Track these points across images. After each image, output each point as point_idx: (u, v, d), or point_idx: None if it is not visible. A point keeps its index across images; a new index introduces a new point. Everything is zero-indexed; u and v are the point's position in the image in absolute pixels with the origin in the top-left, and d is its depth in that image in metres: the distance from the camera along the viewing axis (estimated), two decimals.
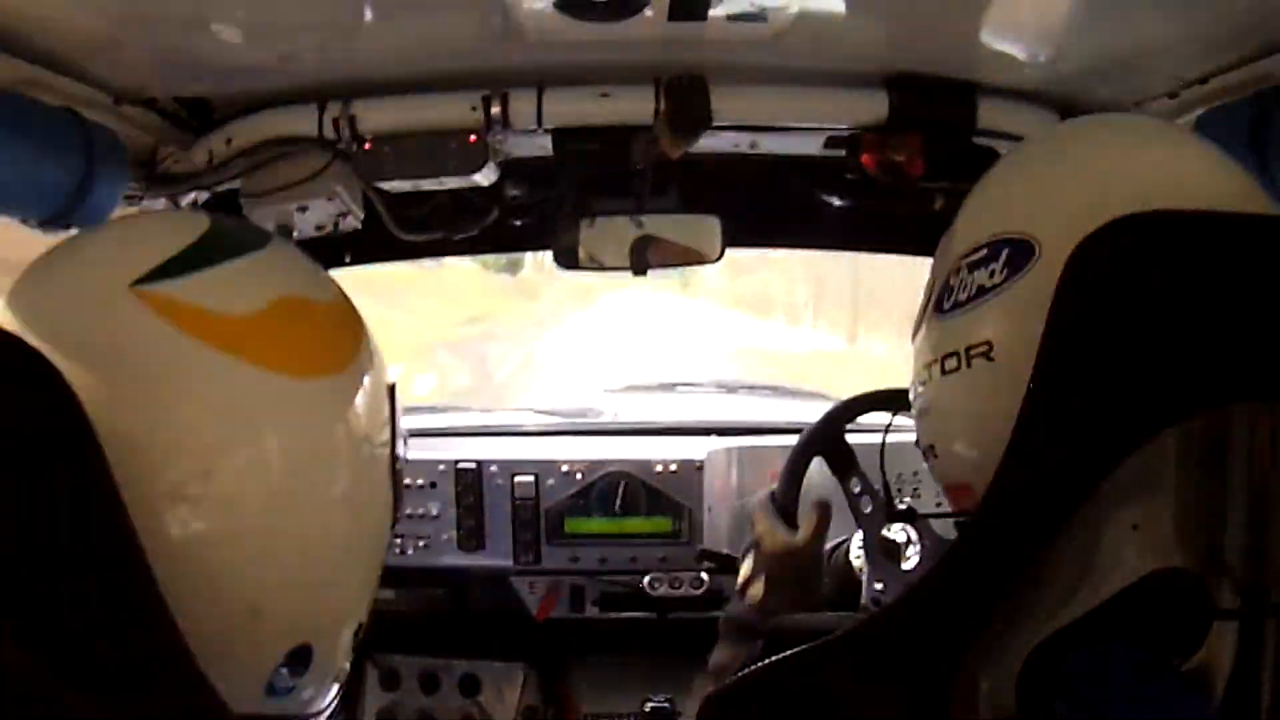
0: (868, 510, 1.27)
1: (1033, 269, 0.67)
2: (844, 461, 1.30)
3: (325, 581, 0.72)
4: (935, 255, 0.82)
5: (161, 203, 1.40)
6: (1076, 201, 0.67)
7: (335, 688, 0.79)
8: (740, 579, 1.22)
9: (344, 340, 0.74)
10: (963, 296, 0.73)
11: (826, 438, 1.31)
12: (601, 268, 1.57)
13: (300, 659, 0.70)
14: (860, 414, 1.35)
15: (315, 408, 0.69)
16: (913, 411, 0.83)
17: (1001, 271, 0.69)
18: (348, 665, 0.79)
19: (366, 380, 0.74)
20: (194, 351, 0.63)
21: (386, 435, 0.77)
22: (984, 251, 0.71)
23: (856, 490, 1.28)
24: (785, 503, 1.27)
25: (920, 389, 0.80)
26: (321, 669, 0.73)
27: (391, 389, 0.78)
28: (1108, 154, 0.72)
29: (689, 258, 1.58)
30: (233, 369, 0.64)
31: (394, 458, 0.78)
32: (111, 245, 0.70)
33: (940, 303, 0.76)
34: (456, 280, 14.51)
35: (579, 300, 15.05)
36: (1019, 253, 0.68)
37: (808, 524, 1.17)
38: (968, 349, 0.71)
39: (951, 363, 0.73)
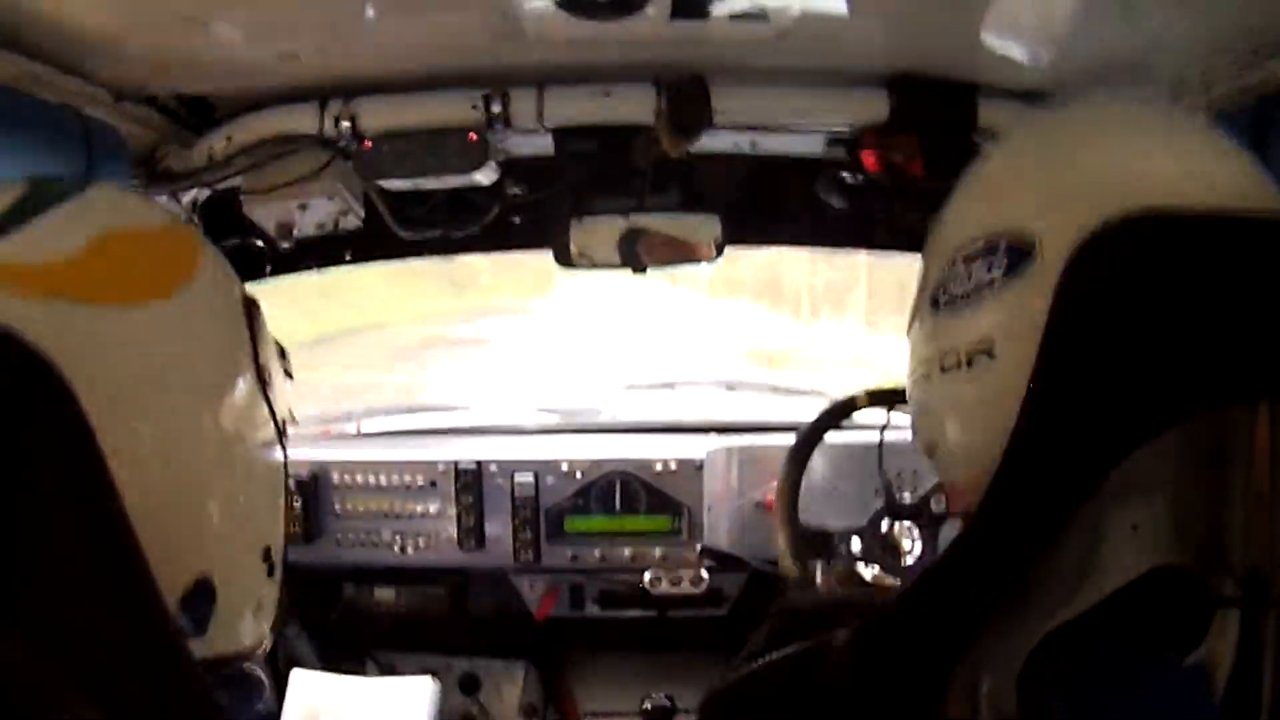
0: (907, 495, 1.26)
1: (1033, 267, 0.66)
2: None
3: (207, 507, 0.70)
4: (925, 245, 0.81)
5: (162, 199, 1.40)
6: (1076, 198, 0.66)
7: (268, 618, 0.78)
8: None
9: (177, 262, 0.72)
10: (959, 293, 0.72)
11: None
12: (608, 264, 1.57)
13: (202, 593, 0.69)
14: (856, 411, 1.35)
15: (153, 330, 0.68)
16: (910, 408, 0.83)
17: (1000, 269, 0.68)
18: (271, 592, 0.78)
19: (214, 295, 0.74)
20: (23, 307, 0.62)
21: (246, 350, 0.76)
22: (981, 247, 0.70)
23: (894, 474, 1.27)
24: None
25: (919, 386, 0.79)
26: (231, 600, 0.72)
27: (250, 304, 0.78)
28: (1107, 146, 0.70)
29: (687, 255, 1.58)
30: (61, 311, 0.63)
31: (259, 369, 0.77)
32: None
33: (936, 298, 0.75)
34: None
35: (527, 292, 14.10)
36: (1018, 250, 0.67)
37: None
38: (968, 347, 0.70)
39: (951, 360, 0.72)
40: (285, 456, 0.81)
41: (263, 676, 0.79)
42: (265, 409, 0.77)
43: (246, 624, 0.76)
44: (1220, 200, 0.62)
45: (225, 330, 0.74)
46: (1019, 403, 0.63)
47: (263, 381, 0.77)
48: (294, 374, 0.84)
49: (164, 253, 0.72)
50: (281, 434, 0.80)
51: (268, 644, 0.79)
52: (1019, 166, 0.75)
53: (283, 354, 0.82)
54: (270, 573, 0.78)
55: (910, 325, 0.82)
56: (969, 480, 0.72)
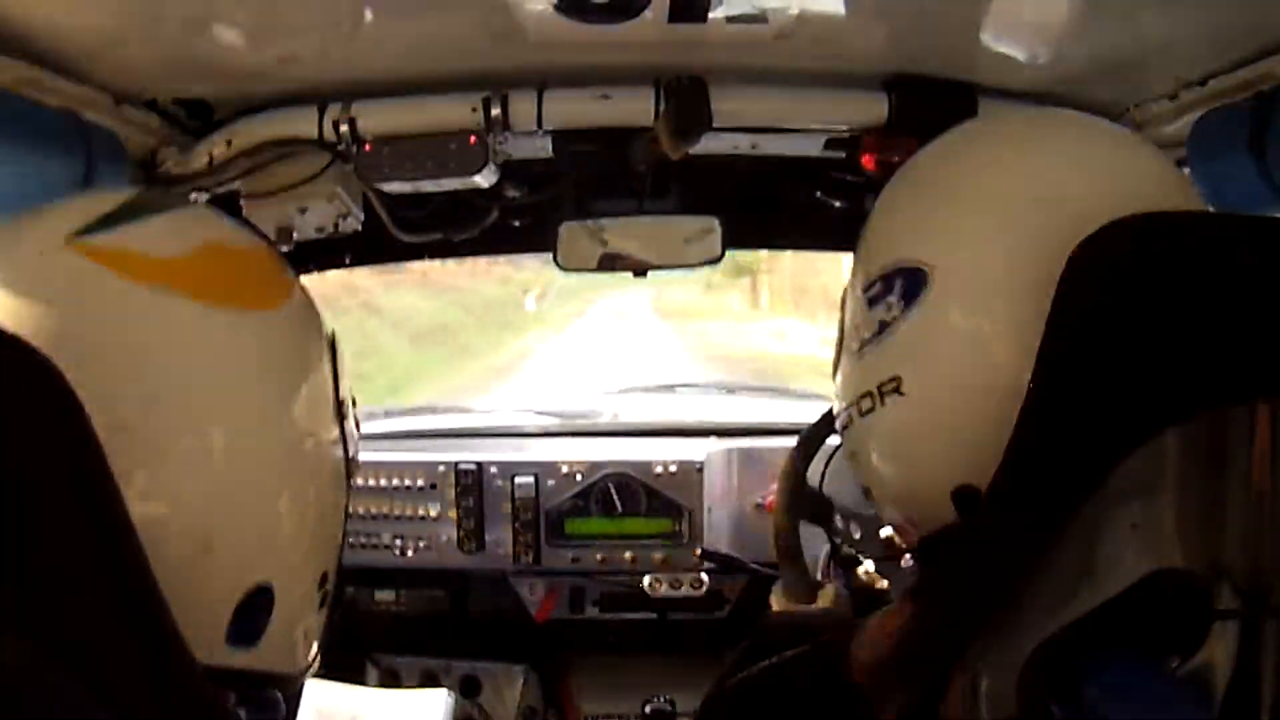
0: (858, 536, 1.26)
1: (927, 296, 0.66)
2: (822, 506, 1.27)
3: (278, 514, 0.71)
4: (841, 296, 0.81)
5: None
6: (961, 220, 0.66)
7: (313, 647, 0.78)
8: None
9: (274, 281, 0.75)
10: (867, 334, 0.71)
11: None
12: (609, 267, 1.57)
13: (261, 601, 0.70)
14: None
15: (251, 337, 0.70)
16: (844, 454, 0.82)
17: (898, 303, 0.68)
18: (319, 620, 0.78)
19: (305, 318, 0.77)
20: (129, 291, 0.65)
21: (328, 377, 0.78)
22: (879, 285, 0.70)
23: (841, 526, 1.27)
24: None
25: (846, 431, 0.78)
26: (286, 615, 0.72)
27: (332, 339, 0.80)
28: (987, 168, 0.70)
29: (691, 259, 1.58)
30: (168, 303, 0.66)
31: (339, 402, 0.79)
32: (46, 211, 0.72)
33: (849, 342, 0.75)
34: None
35: None
36: (912, 281, 0.67)
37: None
38: (879, 387, 0.70)
39: (867, 403, 0.72)
40: (349, 495, 0.84)
41: (281, 704, 0.78)
42: (340, 439, 0.79)
43: (297, 644, 0.76)
44: (1141, 206, 0.62)
45: (313, 355, 0.77)
46: (933, 434, 0.63)
47: (341, 414, 0.79)
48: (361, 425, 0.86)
49: (265, 270, 0.76)
50: (349, 472, 0.82)
51: (311, 672, 0.79)
52: (905, 198, 0.76)
53: (354, 400, 0.84)
54: (322, 603, 0.78)
55: (835, 373, 0.82)
56: (910, 516, 0.72)
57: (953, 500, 0.67)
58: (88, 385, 0.59)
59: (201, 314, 0.67)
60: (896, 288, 0.68)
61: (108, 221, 0.68)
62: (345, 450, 0.81)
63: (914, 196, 0.75)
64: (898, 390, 0.68)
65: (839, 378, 0.79)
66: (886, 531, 1.22)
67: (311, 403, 0.75)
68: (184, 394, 0.65)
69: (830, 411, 1.32)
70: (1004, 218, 0.64)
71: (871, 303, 0.71)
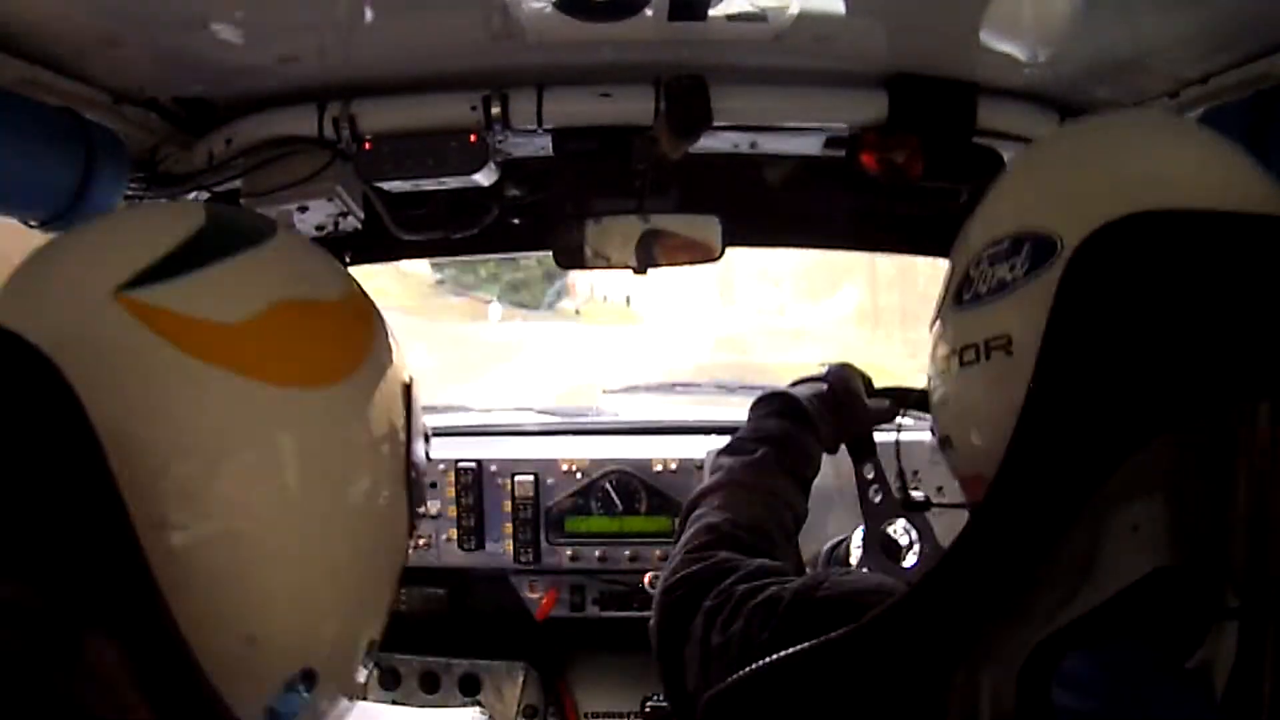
0: (877, 500, 1.27)
1: (1054, 265, 0.67)
2: (865, 447, 1.29)
3: (331, 604, 0.67)
4: (954, 246, 0.81)
5: (161, 203, 1.40)
6: (1099, 198, 0.66)
7: (345, 700, 0.74)
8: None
9: (351, 342, 0.68)
10: (983, 289, 0.73)
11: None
12: (608, 265, 1.57)
13: (305, 682, 0.66)
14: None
15: (318, 419, 0.63)
16: (930, 401, 0.83)
17: (1023, 266, 0.69)
18: (362, 678, 0.74)
19: (378, 382, 0.69)
20: (182, 364, 0.58)
21: (402, 439, 0.71)
22: (1005, 245, 0.71)
23: (870, 476, 1.28)
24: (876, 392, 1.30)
25: (938, 380, 0.80)
26: (328, 689, 0.68)
27: (408, 387, 0.73)
28: (1130, 151, 0.71)
29: (691, 257, 1.58)
30: (225, 382, 0.59)
31: (409, 462, 0.73)
32: (98, 245, 0.65)
33: (960, 295, 0.76)
34: None
35: None
36: (1041, 248, 0.68)
37: (884, 404, 1.27)
38: (986, 342, 0.71)
39: (970, 355, 0.73)
40: (408, 550, 0.77)
41: None
42: (406, 504, 0.73)
43: (335, 706, 0.72)
44: (1229, 202, 0.63)
45: (384, 421, 0.69)
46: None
47: (409, 476, 0.73)
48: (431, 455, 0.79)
49: (338, 333, 0.68)
50: (412, 530, 0.75)
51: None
52: (1045, 169, 0.77)
53: (426, 437, 0.78)
54: (368, 662, 0.74)
55: (934, 322, 0.83)
56: (983, 473, 0.72)
57: None
58: (136, 468, 0.55)
59: (265, 395, 0.60)
60: (1024, 251, 0.69)
61: (165, 269, 0.60)
62: (411, 504, 0.74)
63: (1054, 168, 0.75)
64: (1006, 349, 0.69)
65: (938, 329, 0.80)
66: (892, 530, 1.25)
67: (381, 476, 0.68)
68: (239, 484, 0.59)
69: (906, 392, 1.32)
70: (1133, 204, 0.64)
71: (994, 260, 0.72)
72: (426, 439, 0.78)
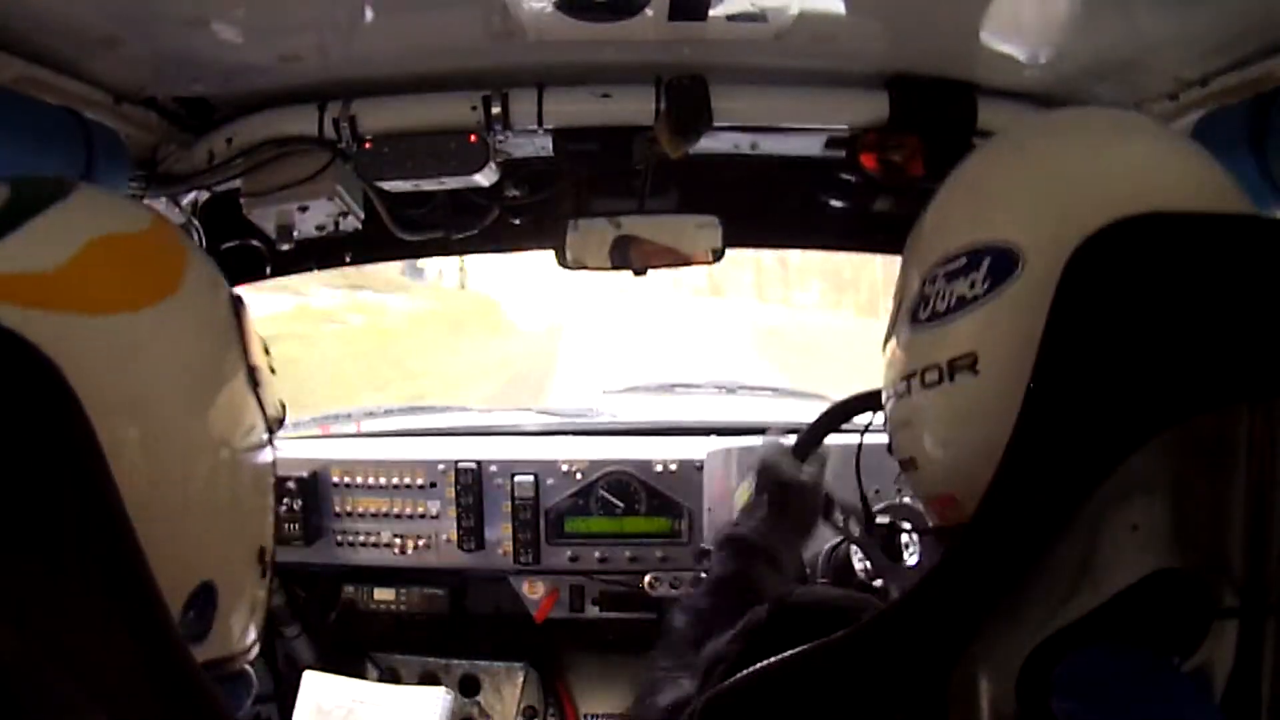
0: (856, 531, 1.27)
1: (1017, 279, 0.65)
2: (826, 507, 1.29)
3: (205, 511, 0.70)
4: (904, 256, 0.79)
5: (162, 202, 1.40)
6: (1060, 207, 0.65)
7: (259, 619, 0.77)
8: (741, 503, 1.31)
9: (165, 267, 0.72)
10: (941, 307, 0.70)
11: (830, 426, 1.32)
12: (591, 268, 1.57)
13: (205, 598, 0.69)
14: (858, 413, 1.35)
15: (154, 335, 0.67)
16: (887, 422, 0.81)
17: (983, 282, 0.67)
18: (264, 592, 0.78)
19: (203, 295, 0.73)
20: (23, 317, 0.60)
21: (236, 349, 0.76)
22: (963, 260, 0.69)
23: (841, 521, 1.28)
24: (799, 453, 1.32)
25: (897, 400, 0.77)
26: (232, 604, 0.72)
27: (235, 299, 0.77)
28: (1085, 154, 0.69)
29: (679, 261, 1.58)
30: (53, 323, 0.62)
31: (251, 368, 0.77)
32: None
33: (916, 312, 0.74)
34: None
35: None
36: (1001, 262, 0.66)
37: (815, 464, 1.29)
38: (950, 362, 0.69)
39: (932, 375, 0.71)
40: (274, 454, 0.81)
41: (252, 674, 0.78)
42: (257, 409, 0.77)
43: (244, 625, 0.76)
44: (1198, 203, 0.62)
45: (215, 333, 0.74)
46: (1004, 416, 0.63)
47: (254, 381, 0.77)
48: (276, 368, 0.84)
49: (152, 257, 0.72)
50: (271, 432, 0.80)
51: (256, 647, 0.78)
52: (997, 177, 0.74)
53: (265, 349, 0.82)
54: (264, 573, 0.78)
55: (888, 338, 0.81)
56: (953, 493, 0.72)
57: None
58: None
59: (87, 326, 0.64)
60: (983, 266, 0.67)
61: None
62: (264, 412, 0.79)
63: (1010, 176, 0.73)
64: (971, 368, 0.68)
65: (894, 347, 0.79)
66: (887, 517, 1.25)
67: (221, 387, 0.73)
68: (91, 412, 0.60)
69: (829, 411, 1.33)
70: (1101, 210, 0.63)
71: (951, 276, 0.70)
72: (266, 351, 0.81)
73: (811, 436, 1.32)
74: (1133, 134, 0.72)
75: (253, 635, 0.77)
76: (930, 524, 0.81)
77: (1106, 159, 0.68)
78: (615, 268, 1.54)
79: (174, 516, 0.67)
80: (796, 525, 1.25)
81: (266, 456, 0.79)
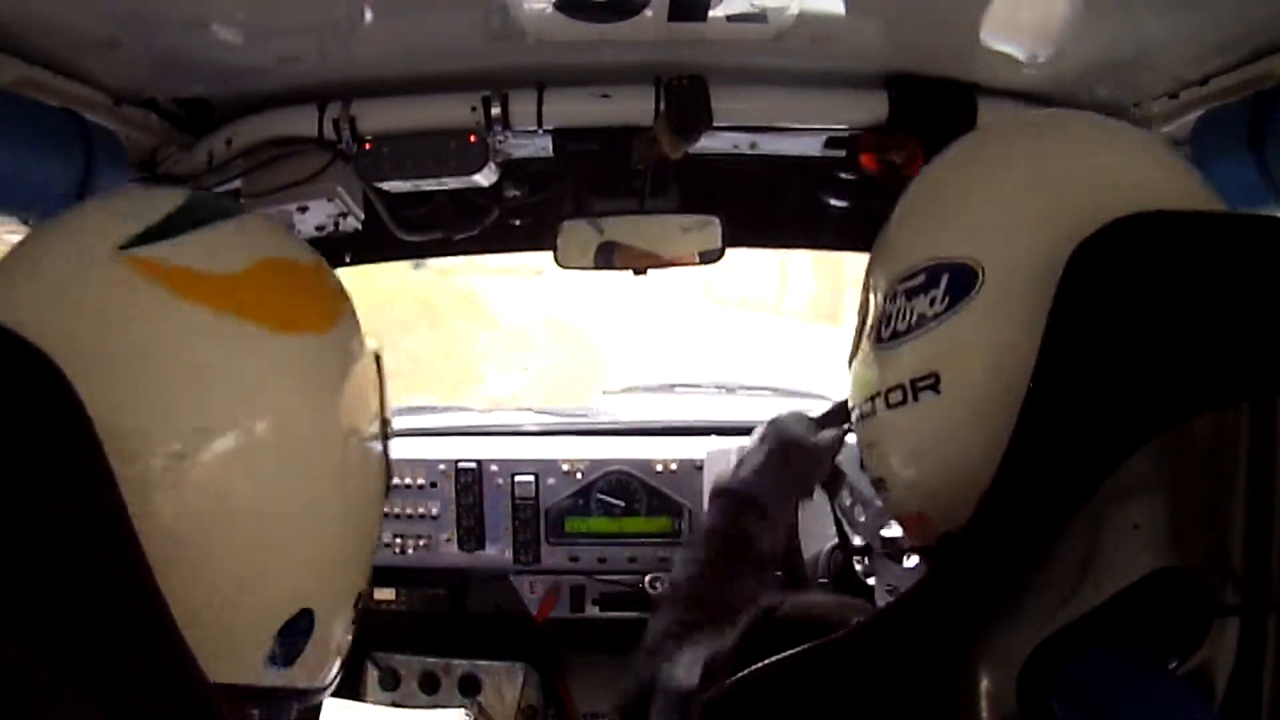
0: (862, 520, 1.27)
1: (976, 295, 0.65)
2: (832, 480, 1.29)
3: (326, 540, 0.71)
4: (867, 269, 0.79)
5: (141, 186, 1.40)
6: (1016, 221, 0.65)
7: (338, 662, 0.77)
8: (742, 455, 1.27)
9: (328, 300, 0.74)
10: (902, 326, 0.70)
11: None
12: (582, 268, 1.57)
13: (302, 624, 0.69)
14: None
15: (307, 360, 0.69)
16: (857, 441, 0.81)
17: (943, 300, 0.67)
18: (349, 638, 0.78)
19: (355, 338, 0.75)
20: (183, 310, 0.63)
21: (375, 397, 0.77)
22: (921, 278, 0.69)
23: (848, 503, 1.28)
24: (822, 422, 1.29)
25: (864, 421, 0.77)
26: (324, 636, 0.72)
27: (377, 354, 0.79)
28: (1040, 165, 0.68)
29: (662, 264, 1.58)
30: (222, 325, 0.64)
31: (384, 422, 0.78)
32: (96, 215, 0.70)
33: (879, 331, 0.74)
34: None
35: None
36: (960, 278, 0.66)
37: (832, 434, 1.24)
38: (913, 382, 0.69)
39: (896, 396, 0.70)
40: (382, 518, 0.81)
41: (294, 706, 0.78)
42: (382, 459, 0.78)
43: (330, 662, 0.75)
44: (1159, 204, 0.62)
45: (364, 375, 0.75)
46: (968, 435, 0.63)
47: (384, 433, 0.78)
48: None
49: (319, 289, 0.73)
50: (387, 490, 0.80)
51: (333, 687, 0.78)
52: (953, 191, 0.74)
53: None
54: (354, 621, 0.78)
55: (852, 357, 0.81)
56: (923, 511, 0.72)
57: None
58: (141, 411, 0.59)
59: (255, 336, 0.65)
60: (942, 283, 0.67)
61: (160, 231, 0.65)
62: (388, 468, 0.80)
63: (965, 189, 0.72)
64: (934, 388, 0.67)
65: (859, 366, 0.78)
66: (888, 532, 1.25)
67: (360, 426, 0.74)
68: (236, 421, 0.63)
69: (828, 411, 1.33)
70: (1061, 220, 0.63)
71: (910, 294, 0.69)
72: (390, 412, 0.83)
73: (840, 407, 1.29)
74: (1087, 140, 0.72)
75: (334, 674, 0.77)
76: (908, 544, 0.81)
77: (1063, 169, 0.68)
78: (598, 268, 1.55)
79: (292, 539, 0.68)
80: (794, 481, 1.23)
81: (380, 509, 0.79)
